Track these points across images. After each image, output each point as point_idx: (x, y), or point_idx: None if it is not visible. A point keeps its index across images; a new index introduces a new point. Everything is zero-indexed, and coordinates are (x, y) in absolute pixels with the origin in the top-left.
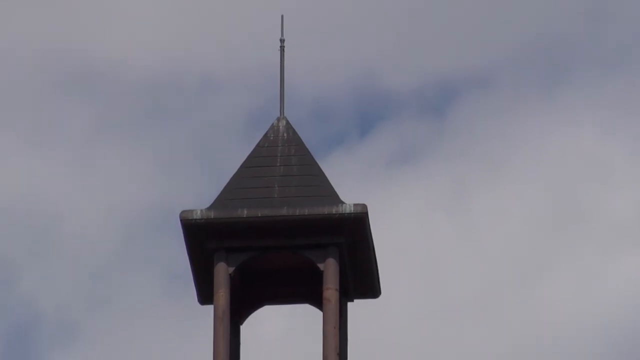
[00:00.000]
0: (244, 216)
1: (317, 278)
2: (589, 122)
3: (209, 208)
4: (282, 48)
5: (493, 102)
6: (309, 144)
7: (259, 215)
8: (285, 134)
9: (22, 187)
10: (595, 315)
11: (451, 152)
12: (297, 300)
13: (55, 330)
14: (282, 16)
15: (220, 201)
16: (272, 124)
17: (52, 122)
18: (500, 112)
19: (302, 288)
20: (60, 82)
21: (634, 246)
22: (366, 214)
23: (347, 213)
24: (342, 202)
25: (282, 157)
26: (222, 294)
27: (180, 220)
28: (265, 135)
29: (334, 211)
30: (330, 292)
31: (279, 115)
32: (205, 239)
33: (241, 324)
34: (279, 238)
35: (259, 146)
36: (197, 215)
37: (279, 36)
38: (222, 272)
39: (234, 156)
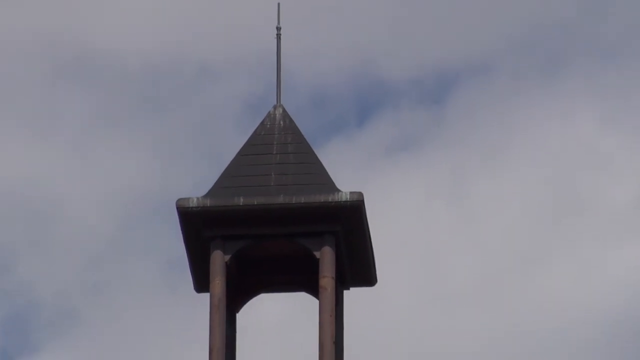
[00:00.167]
0: (240, 204)
1: (314, 266)
2: (588, 111)
3: (205, 196)
4: (278, 36)
5: (492, 90)
6: (307, 131)
7: (255, 203)
8: (281, 122)
9: (20, 174)
10: (594, 304)
11: (450, 140)
12: (294, 289)
13: (53, 316)
14: (278, 4)
15: (217, 189)
16: (269, 112)
17: (50, 110)
18: (499, 101)
19: (298, 276)
20: (59, 70)
21: (633, 235)
22: (362, 202)
23: (344, 201)
24: (339, 190)
25: (278, 145)
26: (218, 282)
27: (177, 208)
28: (262, 123)
29: (330, 199)
30: (327, 280)
31: (275, 103)
32: (202, 227)
33: (237, 312)
34: (275, 226)
35: (255, 134)
36: (194, 203)
37: (276, 24)
38: (218, 260)
39: (231, 144)
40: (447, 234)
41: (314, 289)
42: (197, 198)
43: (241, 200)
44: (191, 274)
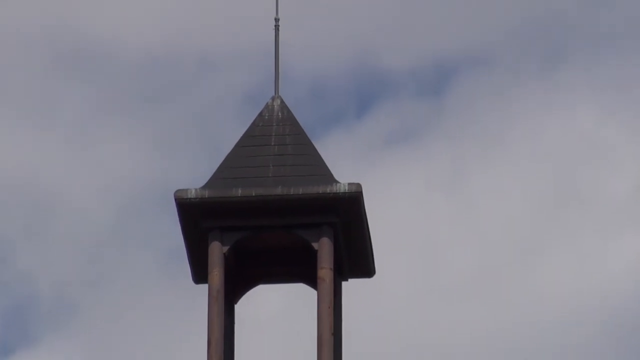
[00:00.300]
0: (239, 195)
1: (312, 257)
2: (588, 102)
3: (204, 187)
4: (276, 27)
5: (491, 81)
6: (306, 123)
7: (254, 194)
8: (279, 113)
9: (19, 165)
10: (594, 295)
11: (449, 131)
12: (292, 280)
13: (52, 308)
14: None
15: (215, 180)
16: (267, 103)
17: (49, 101)
18: (499, 92)
19: (296, 267)
20: (58, 61)
21: (633, 227)
22: (360, 193)
23: (342, 192)
24: (337, 182)
25: (276, 137)
26: (216, 273)
27: (175, 200)
28: (260, 114)
29: (328, 190)
30: (325, 271)
31: (273, 94)
32: (200, 218)
33: (236, 303)
34: (274, 217)
35: (253, 125)
36: (192, 194)
37: (274, 15)
38: (217, 251)
39: (230, 135)
40: (447, 225)
41: (312, 280)
42: (196, 189)
43: (239, 192)
44: (189, 265)
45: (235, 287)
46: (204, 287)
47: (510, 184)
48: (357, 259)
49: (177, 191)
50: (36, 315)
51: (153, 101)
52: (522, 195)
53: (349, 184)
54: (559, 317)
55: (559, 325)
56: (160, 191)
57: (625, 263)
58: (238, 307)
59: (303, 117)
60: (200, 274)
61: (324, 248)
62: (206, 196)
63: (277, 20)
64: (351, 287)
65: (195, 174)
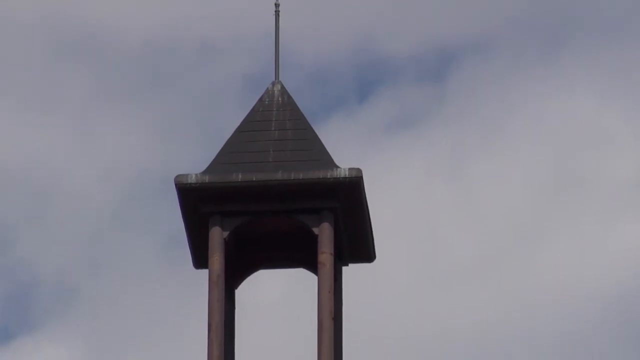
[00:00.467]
0: (239, 180)
1: (312, 242)
2: (588, 88)
3: (204, 172)
4: (277, 12)
5: (492, 67)
6: (307, 108)
7: (254, 179)
8: (280, 99)
9: (20, 151)
10: (594, 281)
11: (450, 117)
12: (292, 265)
13: (52, 293)
14: None
15: (215, 165)
16: (267, 88)
17: (50, 87)
18: (500, 78)
19: (297, 252)
20: (59, 47)
21: (633, 212)
22: (361, 178)
23: (342, 177)
24: (337, 167)
25: (277, 122)
26: (216, 258)
27: (175, 185)
28: (260, 99)
29: (328, 175)
30: (325, 256)
31: (274, 79)
32: (200, 203)
33: (236, 288)
34: (274, 202)
35: (253, 111)
36: (192, 179)
37: (275, 0)
38: (217, 236)
39: (232, 120)
40: (447, 211)
41: (312, 265)
42: (196, 174)
43: (240, 177)
44: (190, 251)
45: (235, 272)
46: (204, 272)
47: (510, 170)
48: (357, 244)
49: (177, 176)
50: (37, 301)
51: (154, 87)
52: (522, 182)
53: (349, 169)
54: (559, 303)
55: (559, 312)
56: (161, 176)
57: (625, 249)
58: (238, 292)
59: (304, 103)
60: (200, 259)
61: (325, 233)
62: (206, 181)
63: (277, 5)
64: (351, 272)
65: (195, 159)
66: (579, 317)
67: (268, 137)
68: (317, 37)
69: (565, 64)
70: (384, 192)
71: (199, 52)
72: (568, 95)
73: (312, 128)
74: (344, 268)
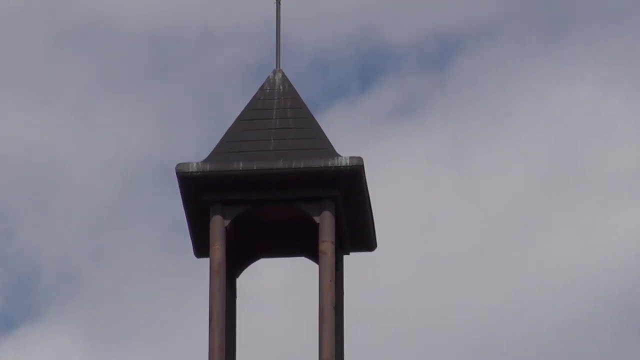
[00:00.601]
0: (240, 169)
1: (313, 231)
2: (591, 77)
3: (205, 161)
4: (278, 1)
5: (494, 56)
6: (309, 97)
7: (255, 168)
8: (281, 87)
9: (22, 139)
10: (595, 269)
11: (452, 105)
12: (293, 253)
13: (55, 282)
14: None
15: (216, 154)
16: (268, 76)
17: (52, 75)
18: (502, 66)
19: (298, 241)
20: (60, 36)
21: (635, 200)
22: (362, 166)
23: (343, 166)
24: (338, 155)
25: (278, 110)
26: (217, 246)
27: (176, 173)
28: (261, 88)
29: (329, 164)
30: (326, 245)
31: (275, 68)
32: (201, 192)
33: (237, 277)
34: (275, 191)
35: (254, 99)
36: (193, 168)
37: None
38: (218, 225)
39: (233, 109)
40: (448, 199)
41: (313, 254)
42: (197, 163)
43: (240, 165)
44: (191, 239)
45: (236, 260)
46: (205, 261)
47: (512, 158)
48: (358, 233)
49: (178, 165)
50: (39, 289)
51: (155, 75)
52: (524, 170)
53: (350, 157)
54: (560, 291)
55: (560, 300)
56: (163, 165)
57: (627, 236)
58: (239, 281)
59: (306, 91)
60: (201, 248)
61: (326, 222)
62: (207, 170)
63: None
64: (353, 261)
65: (197, 147)
66: (579, 305)
67: (269, 125)
68: (319, 25)
69: (567, 52)
70: (386, 181)
71: (200, 41)
72: (570, 83)
73: (313, 117)
74: (345, 257)
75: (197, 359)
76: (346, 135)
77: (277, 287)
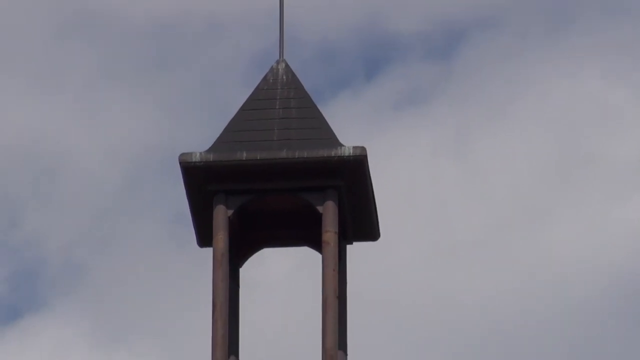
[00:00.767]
0: (243, 159)
1: (316, 221)
2: (595, 66)
3: (208, 151)
4: None
5: (499, 45)
6: (314, 86)
7: (258, 157)
8: (284, 77)
9: (26, 129)
10: (599, 259)
11: (457, 95)
12: (296, 243)
13: (59, 271)
14: None
15: (220, 144)
16: (272, 66)
17: (56, 65)
18: (507, 56)
19: (301, 231)
20: (65, 25)
21: (639, 189)
22: (365, 156)
23: (346, 156)
24: (341, 145)
25: (281, 100)
26: (221, 236)
27: (179, 163)
28: (265, 78)
29: (332, 154)
30: (330, 234)
31: (278, 58)
32: (205, 182)
33: (240, 266)
34: (278, 181)
35: (258, 89)
36: (196, 157)
37: None
38: (221, 214)
39: (237, 99)
40: (452, 189)
41: (316, 244)
42: (200, 153)
43: (244, 155)
44: (194, 229)
45: (239, 250)
46: (208, 251)
47: (516, 147)
48: (361, 223)
49: (181, 155)
50: (43, 279)
51: (159, 65)
52: (528, 159)
53: (353, 147)
54: (565, 280)
55: (565, 288)
56: (167, 155)
57: (631, 226)
58: (243, 271)
59: (310, 81)
60: (205, 238)
61: (329, 211)
62: (211, 160)
63: None
64: (356, 251)
65: (200, 137)
66: (584, 294)
67: (272, 115)
68: (324, 15)
69: (572, 43)
70: (390, 171)
71: (203, 31)
72: (575, 73)
73: (316, 106)
74: (348, 246)
75: (201, 349)
76: (351, 125)
77: (280, 277)
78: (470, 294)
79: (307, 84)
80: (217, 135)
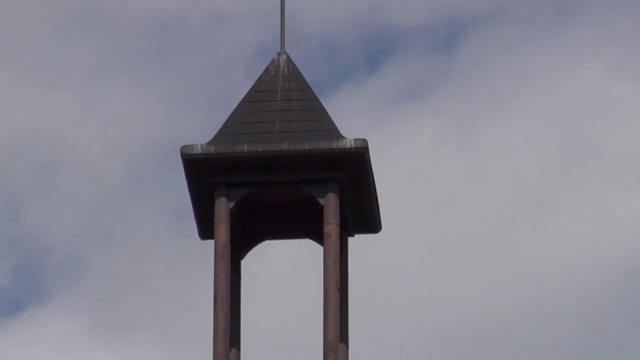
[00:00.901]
0: (245, 151)
1: (318, 213)
2: (598, 59)
3: (210, 143)
4: None
5: (502, 38)
6: (316, 79)
7: (260, 150)
8: (285, 69)
9: (28, 121)
10: (603, 251)
11: (459, 88)
12: (298, 235)
13: (62, 264)
14: None
15: (221, 136)
16: (273, 58)
17: (58, 57)
18: (509, 48)
19: (302, 223)
20: (67, 16)
21: None
22: (366, 149)
23: (348, 148)
24: (343, 137)
25: (282, 92)
26: (222, 229)
27: (181, 155)
28: (266, 70)
29: (334, 146)
30: (331, 227)
31: (280, 50)
32: (206, 174)
33: (242, 259)
34: (280, 173)
35: (259, 81)
36: (198, 150)
37: None
38: (223, 207)
39: (240, 91)
40: (455, 182)
41: (318, 236)
42: (201, 145)
43: (245, 147)
44: (196, 221)
45: (241, 243)
46: (210, 243)
47: (519, 140)
48: (363, 215)
49: (183, 147)
50: (46, 271)
51: (161, 58)
52: (531, 152)
53: (354, 139)
54: (567, 273)
55: (567, 282)
56: (170, 147)
57: (634, 220)
58: (244, 263)
59: (312, 73)
60: (206, 230)
61: (330, 204)
62: (212, 152)
63: None
64: (357, 243)
65: (203, 130)
66: (587, 287)
67: (274, 107)
68: (326, 7)
69: (574, 35)
70: (392, 163)
71: (205, 23)
72: (577, 65)
73: (317, 99)
74: (349, 239)
75: (202, 341)
76: (353, 117)
77: (282, 269)
78: (472, 287)
79: (309, 76)
80: (219, 127)
